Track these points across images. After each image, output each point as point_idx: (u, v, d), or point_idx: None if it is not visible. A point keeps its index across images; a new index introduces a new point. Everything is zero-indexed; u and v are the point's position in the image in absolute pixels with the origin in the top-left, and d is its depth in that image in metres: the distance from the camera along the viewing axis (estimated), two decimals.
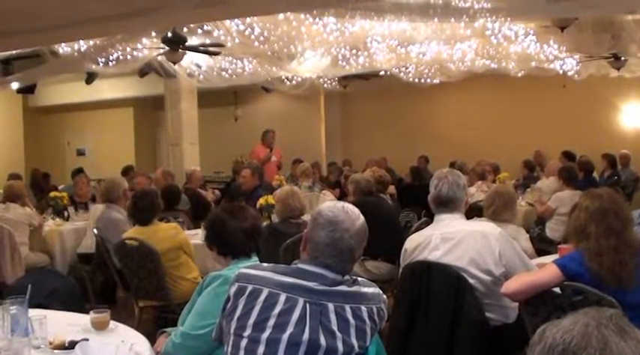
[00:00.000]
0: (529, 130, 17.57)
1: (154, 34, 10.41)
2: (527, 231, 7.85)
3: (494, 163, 13.85)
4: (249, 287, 3.04)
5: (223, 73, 13.71)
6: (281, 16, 9.78)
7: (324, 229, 3.10)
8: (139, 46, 11.24)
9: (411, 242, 4.97)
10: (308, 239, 3.17)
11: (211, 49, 11.52)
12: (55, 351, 3.75)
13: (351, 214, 3.16)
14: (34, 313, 3.88)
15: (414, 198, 10.42)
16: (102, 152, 22.84)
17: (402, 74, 14.87)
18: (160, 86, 16.09)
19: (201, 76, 13.75)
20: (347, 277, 3.12)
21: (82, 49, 10.67)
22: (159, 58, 12.08)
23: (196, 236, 7.63)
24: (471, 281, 4.58)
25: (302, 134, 19.82)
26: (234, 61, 13.35)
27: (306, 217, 6.78)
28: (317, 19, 10.09)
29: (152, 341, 4.14)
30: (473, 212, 7.03)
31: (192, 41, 11.25)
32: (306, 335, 2.94)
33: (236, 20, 9.96)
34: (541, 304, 4.17)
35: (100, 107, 22.12)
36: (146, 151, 22.62)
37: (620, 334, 1.65)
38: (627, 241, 4.12)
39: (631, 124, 17.45)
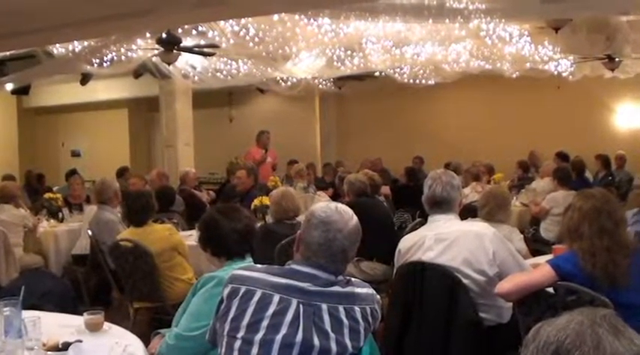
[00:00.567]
0: (524, 131, 17.57)
1: (148, 35, 10.41)
2: (522, 232, 7.86)
3: (488, 164, 13.85)
4: (243, 289, 3.04)
5: (218, 73, 13.70)
6: (276, 17, 9.78)
7: (317, 230, 3.10)
8: (134, 47, 11.23)
9: (405, 242, 4.97)
10: (301, 239, 3.17)
11: (206, 50, 11.52)
12: (49, 353, 3.75)
13: (344, 215, 3.16)
14: (28, 314, 3.86)
15: (408, 199, 10.42)
16: (97, 153, 22.81)
17: (396, 75, 14.87)
18: (154, 87, 16.08)
19: (196, 77, 13.73)
20: (340, 277, 3.12)
21: (77, 50, 10.67)
22: (153, 59, 12.09)
23: (191, 237, 7.60)
24: (465, 281, 4.58)
25: (297, 135, 19.80)
26: (229, 61, 13.34)
27: (301, 218, 6.77)
28: (312, 20, 10.08)
29: (147, 342, 4.14)
30: (467, 212, 7.02)
31: (187, 42, 11.24)
32: (299, 336, 2.94)
33: (231, 21, 9.95)
34: (535, 304, 4.18)
35: (94, 108, 22.08)
36: (141, 152, 22.60)
37: (614, 333, 1.66)
38: (620, 241, 4.14)
39: (625, 125, 17.47)
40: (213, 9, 7.96)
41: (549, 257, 5.04)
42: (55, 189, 13.42)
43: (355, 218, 3.21)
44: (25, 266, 8.36)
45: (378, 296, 3.24)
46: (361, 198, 8.22)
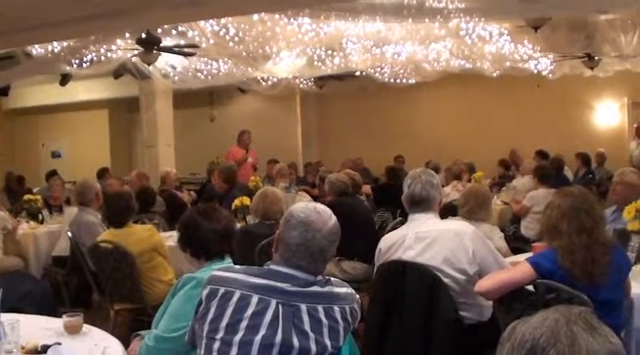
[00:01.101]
0: (504, 129, 17.65)
1: (128, 35, 10.38)
2: (503, 230, 7.89)
3: (469, 162, 13.90)
4: (222, 290, 3.04)
5: (198, 73, 13.68)
6: (255, 16, 9.77)
7: (295, 230, 3.10)
8: (113, 47, 11.19)
9: (386, 241, 4.98)
10: (280, 240, 3.17)
11: (186, 49, 11.49)
12: None
13: (323, 215, 3.16)
14: (7, 317, 3.84)
15: (389, 198, 10.44)
16: (77, 154, 22.73)
17: (377, 74, 14.91)
18: (134, 87, 16.03)
19: (176, 77, 13.70)
20: (319, 277, 3.13)
21: (56, 51, 10.61)
22: (133, 59, 12.04)
23: (171, 238, 7.58)
24: (445, 280, 4.59)
25: (278, 134, 19.79)
26: (210, 61, 13.32)
27: None
28: (292, 20, 10.08)
29: (127, 344, 4.13)
30: (447, 211, 7.04)
31: (167, 42, 11.21)
32: (279, 337, 2.94)
33: (211, 21, 9.93)
34: (515, 302, 4.19)
35: (74, 109, 21.99)
36: (121, 153, 22.50)
37: (589, 330, 1.67)
38: (599, 239, 4.16)
39: (605, 123, 17.58)
40: (193, 9, 7.93)
41: (529, 255, 5.06)
42: (35, 190, 13.34)
43: (334, 218, 3.21)
44: (5, 269, 8.30)
45: (358, 296, 3.24)
46: (342, 197, 8.22)
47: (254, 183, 11.52)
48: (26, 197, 10.70)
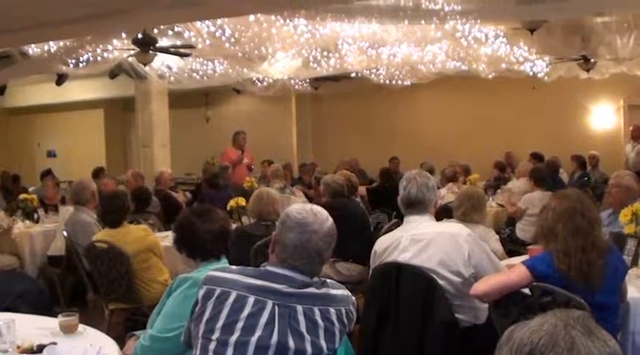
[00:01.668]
0: (500, 132, 17.67)
1: (124, 35, 10.37)
2: (498, 232, 7.88)
3: (465, 164, 13.92)
4: (218, 290, 3.03)
5: (194, 74, 13.68)
6: (251, 17, 9.77)
7: (292, 231, 3.09)
8: (110, 47, 11.18)
9: (381, 243, 4.97)
10: (276, 241, 3.17)
11: (182, 50, 11.48)
12: None
13: (320, 216, 3.16)
14: (2, 316, 3.84)
15: (384, 200, 10.44)
16: (73, 154, 22.75)
17: (372, 76, 14.93)
18: (130, 87, 16.02)
19: (172, 78, 13.70)
20: (315, 279, 3.13)
21: (52, 50, 10.60)
22: (129, 59, 12.03)
23: (167, 238, 7.57)
24: (441, 282, 4.59)
25: (273, 135, 19.80)
26: (205, 62, 13.32)
27: None
28: (288, 21, 10.08)
29: (122, 344, 4.12)
30: (443, 213, 7.04)
31: (163, 42, 11.20)
32: (274, 338, 2.94)
33: (207, 22, 9.93)
34: (510, 305, 4.18)
35: (70, 108, 22.00)
36: (117, 153, 22.51)
37: (588, 334, 1.66)
38: (595, 241, 4.15)
39: (600, 126, 17.60)
40: (189, 9, 7.94)
41: (525, 257, 5.06)
42: (30, 189, 13.33)
43: (330, 219, 3.21)
44: (0, 268, 8.31)
45: (354, 298, 3.24)
46: (337, 198, 8.22)
47: (249, 184, 11.55)
48: (21, 196, 10.68)
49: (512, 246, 9.02)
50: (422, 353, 4.56)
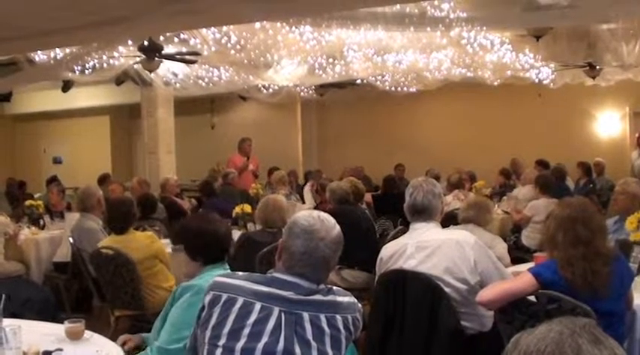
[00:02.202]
0: (505, 139, 17.64)
1: (130, 42, 10.40)
2: (504, 239, 7.88)
3: (470, 171, 13.90)
4: (224, 296, 3.03)
5: (200, 81, 13.71)
6: (257, 24, 9.78)
7: (299, 238, 3.09)
8: (116, 54, 11.21)
9: (387, 251, 4.97)
10: (283, 248, 3.16)
11: (188, 57, 11.51)
12: None
13: (327, 223, 3.15)
14: (8, 323, 3.84)
15: (389, 207, 10.43)
16: (78, 160, 22.75)
17: (378, 83, 14.94)
18: (136, 94, 16.03)
19: (178, 85, 13.74)
20: (322, 286, 3.12)
21: (59, 57, 10.63)
22: (135, 66, 12.06)
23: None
24: (447, 289, 4.58)
25: (279, 142, 19.80)
26: (211, 69, 13.35)
27: None
28: (293, 28, 10.10)
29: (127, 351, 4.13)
30: (449, 220, 7.04)
31: (169, 49, 11.23)
32: (281, 345, 2.94)
33: (212, 29, 9.95)
34: (516, 312, 4.17)
35: (76, 115, 22.04)
36: (123, 159, 22.53)
37: (594, 342, 1.66)
38: (598, 250, 4.11)
39: (606, 133, 17.56)
40: (194, 17, 7.94)
41: (530, 265, 5.05)
42: (36, 196, 13.34)
43: (337, 226, 3.20)
44: (6, 274, 8.31)
45: (360, 305, 3.23)
46: (343, 205, 8.22)
47: (255, 191, 11.56)
48: (27, 202, 10.68)
49: (517, 254, 9.00)
50: None
